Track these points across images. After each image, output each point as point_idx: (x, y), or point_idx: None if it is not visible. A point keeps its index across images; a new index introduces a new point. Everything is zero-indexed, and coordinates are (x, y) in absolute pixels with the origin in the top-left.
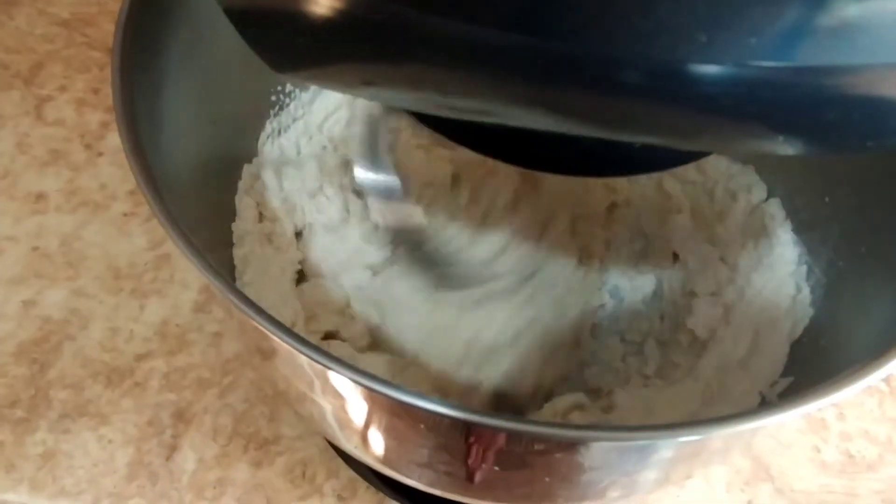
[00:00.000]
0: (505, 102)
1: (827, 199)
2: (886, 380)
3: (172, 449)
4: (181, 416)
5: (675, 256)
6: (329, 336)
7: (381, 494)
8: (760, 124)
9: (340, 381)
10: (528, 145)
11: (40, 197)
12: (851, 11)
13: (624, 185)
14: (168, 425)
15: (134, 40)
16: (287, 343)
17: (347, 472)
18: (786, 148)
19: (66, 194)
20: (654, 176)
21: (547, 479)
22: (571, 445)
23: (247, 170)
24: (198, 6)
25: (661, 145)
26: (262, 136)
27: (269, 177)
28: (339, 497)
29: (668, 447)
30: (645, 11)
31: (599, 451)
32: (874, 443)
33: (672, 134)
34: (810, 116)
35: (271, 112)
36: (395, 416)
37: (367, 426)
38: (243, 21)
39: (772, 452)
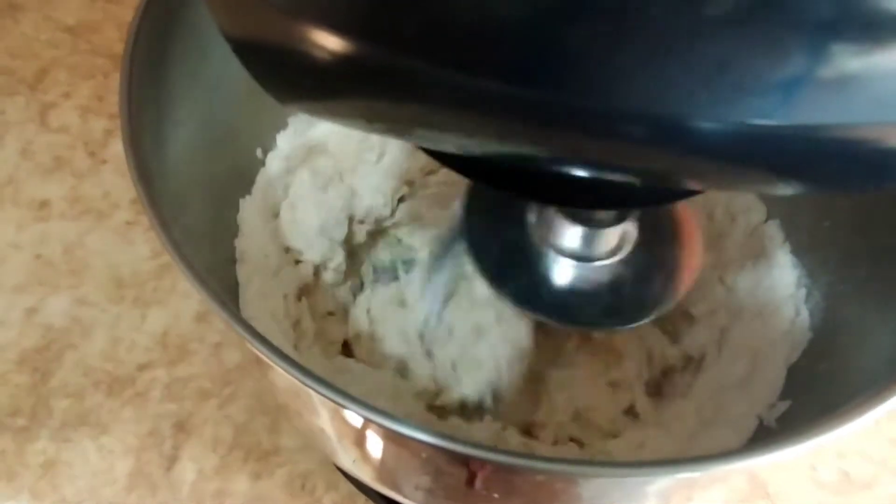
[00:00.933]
0: (511, 148)
1: (826, 223)
2: None
3: (172, 459)
4: (182, 427)
5: None
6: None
7: None
8: (761, 173)
9: (335, 408)
10: (530, 181)
11: (44, 204)
12: (848, 71)
13: None
14: (168, 436)
15: (142, 58)
16: (283, 369)
17: (347, 486)
18: (787, 190)
19: (69, 202)
20: None
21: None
22: (567, 478)
23: (254, 186)
24: (205, 25)
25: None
26: (270, 154)
27: (270, 194)
28: None
29: (665, 480)
30: (651, 71)
31: (595, 484)
32: (870, 462)
33: (674, 178)
34: (810, 168)
35: (278, 130)
36: (392, 441)
37: (364, 448)
38: (247, 55)
39: (769, 471)
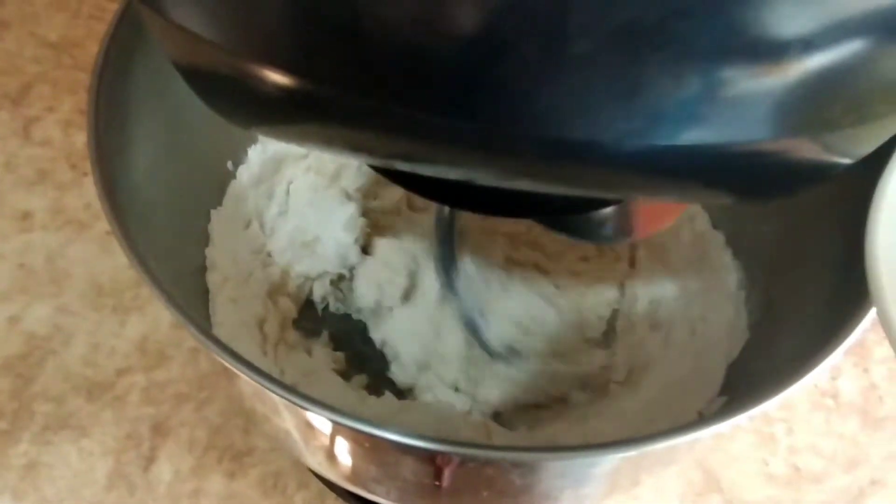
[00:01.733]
0: (448, 168)
1: (765, 228)
2: (834, 396)
3: (150, 461)
4: (159, 429)
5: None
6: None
7: None
8: (673, 185)
9: (296, 410)
10: (468, 192)
11: (27, 215)
12: (739, 94)
13: None
14: (146, 438)
15: (111, 75)
16: (241, 371)
17: (317, 484)
18: (704, 199)
19: (51, 213)
20: None
21: (509, 496)
22: (523, 465)
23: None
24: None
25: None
26: (241, 167)
27: (241, 205)
28: None
29: (606, 462)
30: (572, 102)
31: (547, 468)
32: (820, 456)
33: (600, 191)
34: (715, 180)
35: (249, 144)
36: (357, 441)
37: (327, 448)
38: (194, 83)
39: (722, 466)
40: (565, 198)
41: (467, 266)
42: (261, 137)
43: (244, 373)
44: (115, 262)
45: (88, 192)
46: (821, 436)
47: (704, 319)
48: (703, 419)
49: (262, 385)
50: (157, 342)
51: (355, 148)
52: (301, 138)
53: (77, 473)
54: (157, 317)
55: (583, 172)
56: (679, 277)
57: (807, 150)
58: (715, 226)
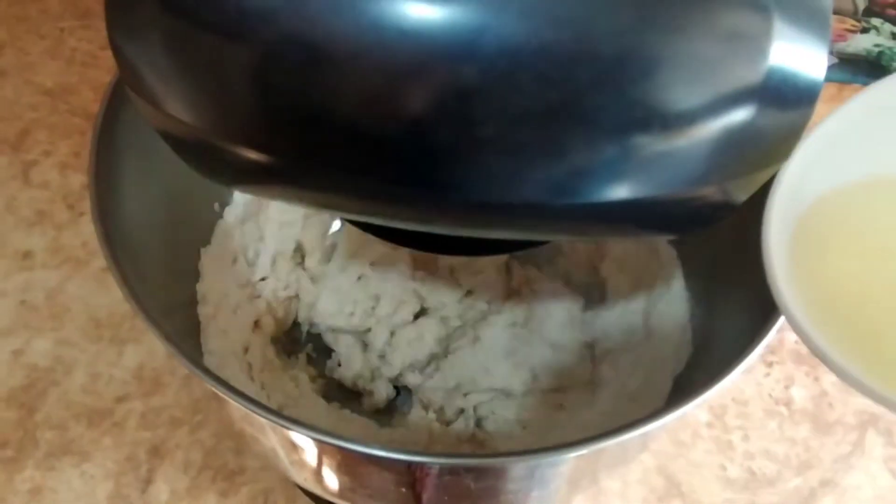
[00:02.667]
0: (397, 221)
1: (708, 252)
2: (787, 404)
3: (148, 482)
4: (156, 452)
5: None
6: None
7: None
8: (601, 230)
9: (280, 430)
10: (429, 238)
11: (27, 254)
12: (646, 156)
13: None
14: (144, 460)
15: (108, 126)
16: (228, 397)
17: (305, 501)
18: (627, 236)
19: (51, 252)
20: None
21: (484, 497)
22: (495, 469)
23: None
24: None
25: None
26: (227, 208)
27: (228, 242)
28: None
29: (563, 462)
30: (503, 170)
31: (513, 471)
32: (774, 461)
33: (536, 236)
34: (630, 223)
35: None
36: (332, 456)
37: (310, 463)
38: (177, 148)
39: (683, 471)
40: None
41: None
42: None
43: (229, 397)
44: (112, 297)
45: (85, 230)
46: (775, 441)
47: (655, 338)
48: (637, 420)
49: (247, 408)
50: (152, 370)
51: (317, 204)
52: (271, 196)
53: (79, 496)
54: (152, 347)
55: (511, 225)
56: (632, 298)
57: (711, 195)
58: (668, 247)
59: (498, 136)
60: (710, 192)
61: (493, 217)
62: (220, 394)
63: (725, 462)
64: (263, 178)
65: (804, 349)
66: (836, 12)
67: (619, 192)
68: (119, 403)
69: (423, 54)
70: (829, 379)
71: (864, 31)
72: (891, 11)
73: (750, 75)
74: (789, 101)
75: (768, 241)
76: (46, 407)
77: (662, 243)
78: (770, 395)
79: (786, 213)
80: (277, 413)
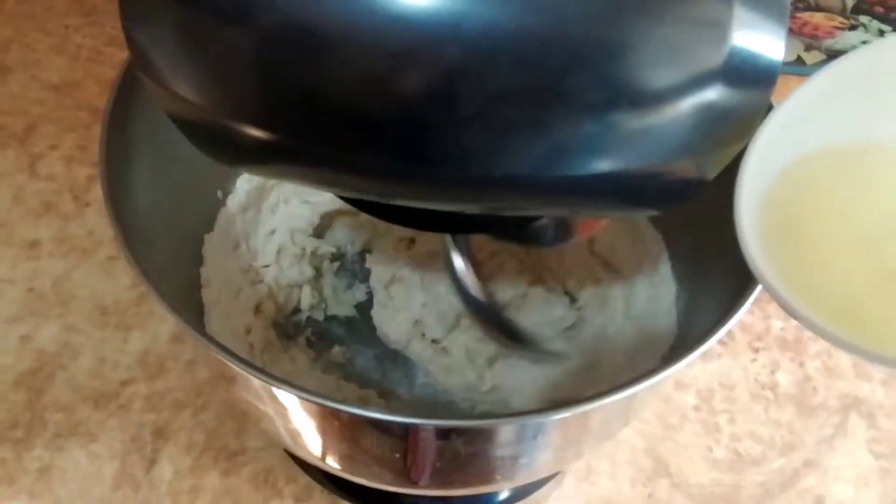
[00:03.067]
0: (387, 195)
1: (690, 239)
2: (772, 388)
3: (152, 462)
4: (160, 433)
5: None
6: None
7: (333, 496)
8: (587, 203)
9: (276, 394)
10: (412, 214)
11: (34, 244)
12: (625, 131)
13: None
14: (148, 441)
15: (118, 118)
16: (229, 360)
17: (304, 478)
18: (614, 213)
19: (57, 241)
20: None
21: (474, 462)
22: (483, 432)
23: (216, 222)
24: None
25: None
26: (229, 196)
27: (231, 229)
28: (297, 499)
29: (542, 429)
30: (498, 146)
31: (501, 435)
32: (759, 442)
33: (523, 210)
34: (610, 199)
35: (237, 175)
36: (325, 420)
37: (308, 431)
38: (185, 129)
39: (671, 453)
40: (508, 217)
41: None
42: None
43: (233, 363)
44: (117, 284)
45: (91, 221)
46: (760, 424)
47: (643, 319)
48: (609, 389)
49: (244, 370)
50: (156, 355)
51: (315, 182)
52: (273, 174)
53: (86, 475)
54: (156, 332)
55: (497, 198)
56: (620, 285)
57: (680, 170)
58: (655, 234)
59: (480, 113)
60: (680, 168)
61: (479, 190)
62: (227, 361)
63: (712, 443)
64: (265, 156)
65: (790, 336)
66: (825, 9)
67: (594, 165)
68: (124, 387)
69: (412, 37)
70: (813, 364)
71: (853, 28)
72: (878, 9)
73: (713, 57)
74: (750, 81)
75: (740, 211)
76: (54, 390)
77: (648, 228)
78: (756, 380)
79: (755, 184)
80: (272, 375)
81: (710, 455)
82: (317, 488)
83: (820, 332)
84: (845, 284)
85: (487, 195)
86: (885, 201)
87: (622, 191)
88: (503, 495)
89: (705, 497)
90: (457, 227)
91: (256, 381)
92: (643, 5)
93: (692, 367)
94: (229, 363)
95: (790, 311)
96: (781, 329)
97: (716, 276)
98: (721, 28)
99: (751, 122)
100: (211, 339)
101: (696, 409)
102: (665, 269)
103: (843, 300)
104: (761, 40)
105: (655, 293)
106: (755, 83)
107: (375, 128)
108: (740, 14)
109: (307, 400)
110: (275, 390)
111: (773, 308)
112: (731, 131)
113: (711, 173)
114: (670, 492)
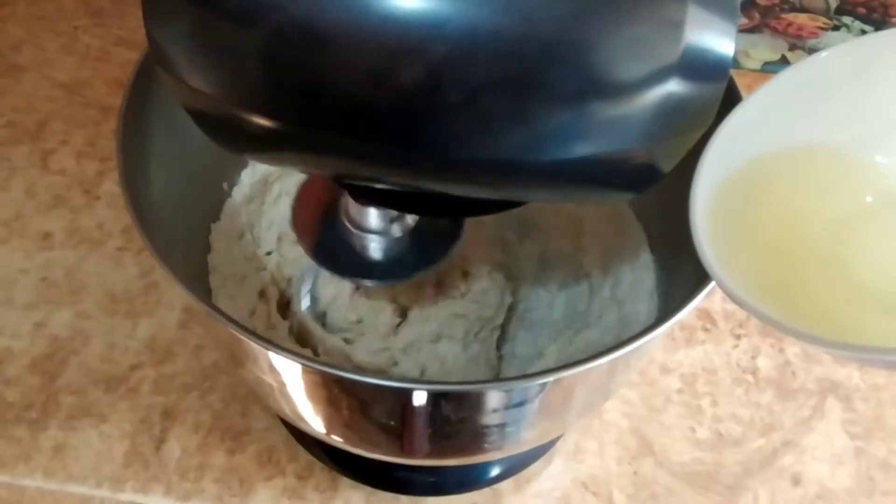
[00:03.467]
0: (383, 178)
1: (672, 227)
2: (753, 372)
3: (161, 441)
4: (168, 415)
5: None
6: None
7: (333, 473)
8: (563, 187)
9: (278, 360)
10: (407, 197)
11: (47, 235)
12: (600, 119)
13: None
14: (157, 422)
15: (133, 114)
16: (237, 331)
17: (306, 456)
18: (588, 199)
19: (68, 233)
20: None
21: (464, 430)
22: (469, 397)
23: (222, 212)
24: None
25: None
26: (234, 188)
27: (236, 219)
28: (299, 476)
29: (525, 397)
30: (483, 133)
31: (487, 401)
32: (739, 423)
33: (493, 190)
34: (580, 183)
35: (241, 168)
36: (320, 386)
37: (304, 398)
38: (198, 118)
39: (655, 433)
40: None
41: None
42: (250, 162)
43: (238, 331)
44: (127, 274)
45: (100, 213)
46: (741, 406)
47: (626, 305)
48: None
49: (246, 337)
50: (164, 341)
51: (320, 168)
52: (277, 161)
53: (98, 453)
54: (164, 319)
55: (481, 181)
56: (603, 272)
57: (646, 155)
58: (636, 222)
59: (464, 102)
60: (644, 153)
61: (464, 173)
62: (232, 329)
63: (695, 424)
64: (271, 143)
65: None
66: (809, 10)
67: (566, 150)
68: (134, 371)
69: (403, 36)
70: (792, 350)
71: (836, 28)
72: (861, 10)
73: (669, 53)
74: (704, 75)
75: (695, 199)
76: (67, 373)
77: (630, 218)
78: (738, 365)
79: (712, 176)
80: (268, 340)
81: (692, 435)
82: (317, 465)
83: (749, 310)
84: (788, 273)
85: (472, 178)
86: (832, 208)
87: (592, 174)
88: (494, 472)
89: (688, 475)
90: (447, 211)
91: (260, 350)
92: (606, 7)
93: (676, 352)
94: (237, 333)
95: (725, 291)
96: None
97: (691, 263)
98: (676, 27)
99: (705, 112)
100: (220, 312)
101: (679, 392)
102: (646, 257)
103: (780, 284)
104: (713, 38)
105: (637, 278)
106: (708, 77)
107: (371, 116)
108: (694, 14)
109: (308, 366)
110: (276, 357)
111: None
112: (688, 120)
113: (673, 159)
114: (654, 469)
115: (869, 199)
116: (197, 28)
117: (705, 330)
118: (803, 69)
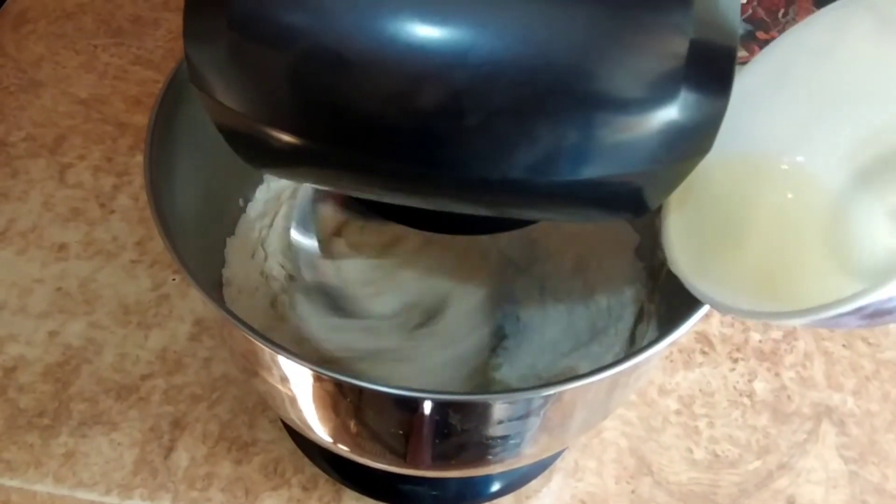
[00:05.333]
0: (400, 196)
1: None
2: (749, 395)
3: (170, 450)
4: (177, 424)
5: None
6: None
7: (338, 485)
8: (575, 210)
9: (287, 364)
10: (421, 215)
11: (63, 247)
12: (603, 143)
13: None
14: (166, 431)
15: (159, 135)
16: (251, 336)
17: (311, 468)
18: (589, 219)
19: (84, 245)
20: None
21: (469, 440)
22: (476, 407)
23: (237, 228)
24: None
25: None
26: (249, 204)
27: (250, 234)
28: (304, 488)
29: (529, 410)
30: (494, 153)
31: (494, 413)
32: (736, 445)
33: (507, 209)
34: (600, 204)
35: (256, 185)
36: (327, 393)
37: (310, 404)
38: (226, 135)
39: (653, 453)
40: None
41: None
42: (265, 179)
43: (249, 335)
44: (139, 286)
45: (115, 226)
46: (737, 428)
47: (615, 311)
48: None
49: (257, 341)
50: (175, 352)
51: (341, 183)
52: (301, 177)
53: (108, 461)
54: (175, 331)
55: (499, 200)
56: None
57: (647, 179)
58: (630, 231)
59: (480, 125)
60: (644, 177)
61: (480, 192)
62: (241, 328)
63: (692, 445)
64: (297, 160)
65: (767, 347)
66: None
67: (575, 172)
68: (144, 381)
69: (426, 63)
70: (788, 374)
71: None
72: None
73: (671, 86)
74: (703, 106)
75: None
76: (79, 381)
77: (630, 243)
78: (734, 388)
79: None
80: (276, 343)
81: (689, 456)
82: (322, 477)
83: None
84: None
85: (487, 197)
86: (767, 220)
87: (599, 195)
88: (495, 487)
89: (684, 494)
90: (458, 228)
91: (274, 357)
92: (615, 41)
93: (674, 374)
94: (251, 337)
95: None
96: (759, 341)
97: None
98: (678, 61)
99: (704, 139)
100: (236, 317)
101: (677, 413)
102: (631, 257)
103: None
104: (713, 72)
105: (622, 285)
106: (707, 107)
107: (392, 136)
108: (695, 50)
109: (317, 372)
110: (285, 361)
111: (751, 322)
112: (688, 146)
113: (674, 184)
114: (652, 489)
115: (790, 195)
116: (233, 51)
117: (703, 353)
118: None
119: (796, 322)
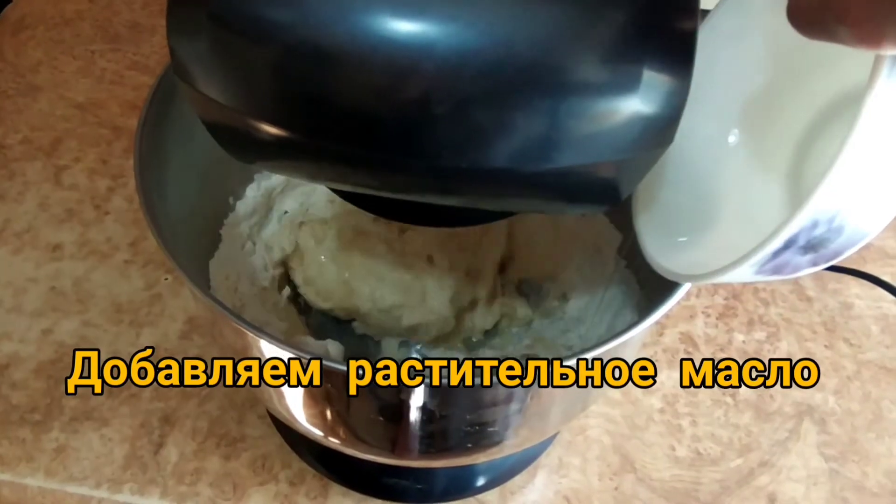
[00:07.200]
0: (388, 189)
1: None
2: (732, 395)
3: (159, 445)
4: (167, 420)
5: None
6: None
7: (325, 480)
8: (550, 199)
9: (268, 347)
10: (405, 207)
11: (57, 247)
12: (577, 130)
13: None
14: (156, 427)
15: (149, 132)
16: (232, 320)
17: (299, 464)
18: (563, 209)
19: (78, 245)
20: None
21: (459, 426)
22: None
23: (227, 222)
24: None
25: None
26: (238, 202)
27: (238, 231)
28: (291, 483)
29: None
30: (474, 143)
31: (470, 397)
32: (718, 443)
33: (490, 202)
34: (573, 194)
35: (246, 183)
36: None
37: (298, 393)
38: (213, 130)
39: (637, 451)
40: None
41: None
42: (256, 178)
43: (239, 324)
44: (132, 286)
45: (109, 228)
46: (720, 427)
47: (609, 313)
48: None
49: (243, 328)
50: (166, 351)
51: (323, 174)
52: (284, 169)
53: (99, 455)
54: (166, 330)
55: (467, 189)
56: (575, 286)
57: (615, 169)
58: (614, 233)
59: (451, 114)
60: (611, 167)
61: (454, 181)
62: (231, 320)
63: (675, 443)
64: (278, 152)
65: (750, 349)
66: None
67: (540, 161)
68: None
69: (397, 54)
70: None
71: None
72: None
73: (631, 80)
74: (663, 98)
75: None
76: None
77: (609, 228)
78: (717, 387)
79: None
80: (261, 329)
81: (672, 453)
82: (309, 472)
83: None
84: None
85: (460, 186)
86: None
87: (567, 184)
88: (480, 481)
89: (667, 491)
90: (438, 220)
91: (254, 339)
92: (576, 37)
93: (658, 373)
94: (237, 324)
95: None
96: (743, 342)
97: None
98: (638, 57)
99: (666, 130)
100: (220, 304)
101: (661, 411)
102: (627, 275)
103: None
104: (671, 68)
105: (618, 294)
106: (667, 100)
107: (369, 125)
108: (652, 47)
109: (299, 356)
110: (268, 346)
111: (735, 322)
112: (650, 137)
113: (641, 173)
114: (635, 485)
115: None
116: (215, 44)
117: (687, 353)
118: None
119: (745, 271)
